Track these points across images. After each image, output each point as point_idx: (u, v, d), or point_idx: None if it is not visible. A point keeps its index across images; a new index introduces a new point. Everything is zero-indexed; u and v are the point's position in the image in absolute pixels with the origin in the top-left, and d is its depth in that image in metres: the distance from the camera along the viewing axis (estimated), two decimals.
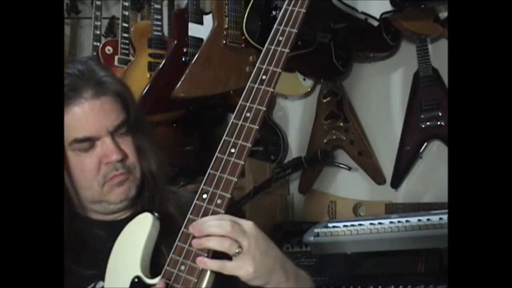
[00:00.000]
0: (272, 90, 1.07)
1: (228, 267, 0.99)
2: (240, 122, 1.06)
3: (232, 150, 1.04)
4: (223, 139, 1.06)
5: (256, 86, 1.07)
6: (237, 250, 0.98)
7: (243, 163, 1.04)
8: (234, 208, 1.98)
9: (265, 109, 1.06)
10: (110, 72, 1.21)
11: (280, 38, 1.09)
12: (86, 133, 1.12)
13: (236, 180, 1.03)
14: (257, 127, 1.05)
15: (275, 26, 1.11)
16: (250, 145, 1.04)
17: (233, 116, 1.07)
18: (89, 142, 1.13)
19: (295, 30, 1.09)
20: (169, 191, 1.24)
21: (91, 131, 1.12)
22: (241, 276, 0.99)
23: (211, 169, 1.04)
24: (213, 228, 0.99)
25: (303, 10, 1.10)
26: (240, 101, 1.07)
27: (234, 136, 1.05)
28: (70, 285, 1.06)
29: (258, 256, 0.99)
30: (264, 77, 1.07)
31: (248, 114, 1.06)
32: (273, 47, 1.09)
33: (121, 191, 1.16)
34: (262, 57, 1.09)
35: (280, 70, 1.08)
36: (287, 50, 1.09)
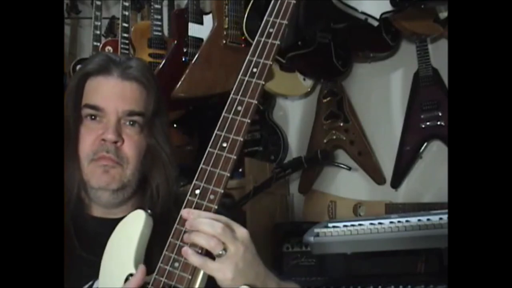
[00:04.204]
0: (263, 82, 1.05)
1: (208, 266, 0.99)
2: (231, 116, 1.04)
3: (224, 145, 1.03)
4: (214, 133, 1.04)
5: (246, 79, 1.06)
6: (220, 252, 0.98)
7: (235, 157, 1.02)
8: (234, 208, 2.00)
9: (256, 102, 1.04)
10: (147, 71, 1.24)
11: (271, 30, 1.08)
12: (97, 102, 1.17)
13: (228, 174, 1.02)
14: (249, 121, 1.03)
15: (265, 18, 1.09)
16: (242, 139, 1.03)
17: (224, 110, 1.05)
18: (97, 111, 1.17)
19: (285, 22, 1.08)
20: (174, 196, 1.23)
21: (102, 103, 1.17)
22: (218, 279, 0.99)
23: (203, 164, 1.03)
24: (205, 226, 0.98)
25: (293, 1, 1.09)
26: (231, 94, 1.06)
27: (225, 130, 1.04)
28: (84, 273, 1.10)
29: (241, 265, 0.99)
30: (255, 69, 1.06)
31: (239, 108, 1.04)
32: (263, 39, 1.08)
33: (103, 178, 1.16)
34: (253, 50, 1.07)
35: (271, 63, 1.06)
36: (277, 42, 1.07)
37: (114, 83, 1.18)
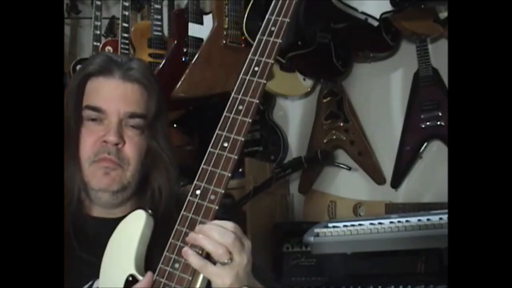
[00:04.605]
0: (265, 81, 1.04)
1: (208, 270, 0.98)
2: (232, 115, 1.03)
3: (225, 145, 1.02)
4: (215, 133, 1.03)
5: (248, 78, 1.05)
6: (226, 261, 0.98)
7: (236, 157, 1.02)
8: (234, 209, 2.00)
9: (257, 101, 1.03)
10: (149, 73, 1.24)
11: (272, 28, 1.06)
12: (99, 103, 1.16)
13: (229, 175, 1.01)
14: (250, 120, 1.02)
15: (267, 16, 1.08)
16: (243, 139, 1.02)
17: (225, 110, 1.04)
18: (98, 113, 1.16)
19: (287, 20, 1.06)
20: (175, 197, 1.24)
21: (103, 104, 1.16)
22: (216, 284, 0.99)
23: (204, 164, 1.03)
24: (215, 233, 0.98)
25: None
26: (232, 94, 1.05)
27: (226, 130, 1.03)
28: (84, 273, 1.09)
29: (241, 274, 0.99)
30: (256, 68, 1.05)
31: (240, 107, 1.03)
32: (265, 38, 1.06)
33: (104, 180, 1.16)
34: (254, 48, 1.06)
35: (272, 61, 1.05)
36: (279, 41, 1.06)
37: (116, 85, 1.18)
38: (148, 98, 1.20)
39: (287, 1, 1.08)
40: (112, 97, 1.17)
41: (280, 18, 1.07)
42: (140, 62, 1.26)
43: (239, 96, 1.04)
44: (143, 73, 1.20)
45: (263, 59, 1.05)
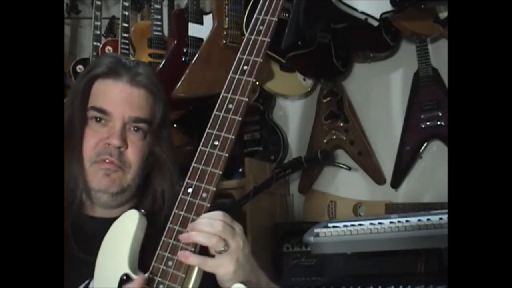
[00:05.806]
0: (254, 80, 1.06)
1: (209, 264, 0.99)
2: (222, 114, 1.05)
3: (216, 143, 1.04)
4: (206, 132, 1.05)
5: (237, 76, 1.06)
6: (223, 248, 0.98)
7: (226, 155, 1.03)
8: (234, 209, 2.00)
9: (247, 99, 1.05)
10: (156, 80, 1.25)
11: (261, 28, 1.09)
12: (104, 105, 1.18)
13: (220, 172, 1.02)
14: (240, 119, 1.04)
15: (255, 15, 1.10)
16: (233, 137, 1.03)
17: (215, 108, 1.06)
18: (103, 114, 1.17)
19: (275, 19, 1.09)
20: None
21: (109, 107, 1.17)
22: (220, 274, 1.00)
23: (195, 162, 1.04)
24: (204, 226, 0.99)
25: None
26: (222, 93, 1.06)
27: (216, 128, 1.04)
28: (78, 273, 1.09)
29: (241, 258, 1.00)
30: (245, 67, 1.07)
31: (230, 106, 1.05)
32: (253, 37, 1.09)
33: (104, 181, 1.17)
34: (243, 47, 1.08)
35: (261, 60, 1.07)
36: (267, 39, 1.08)
37: (123, 88, 1.19)
38: (153, 104, 1.21)
39: (275, 1, 1.10)
40: (118, 100, 1.18)
41: (268, 17, 1.09)
42: (148, 68, 1.27)
43: (229, 95, 1.06)
44: (150, 79, 1.22)
45: (252, 58, 1.07)
